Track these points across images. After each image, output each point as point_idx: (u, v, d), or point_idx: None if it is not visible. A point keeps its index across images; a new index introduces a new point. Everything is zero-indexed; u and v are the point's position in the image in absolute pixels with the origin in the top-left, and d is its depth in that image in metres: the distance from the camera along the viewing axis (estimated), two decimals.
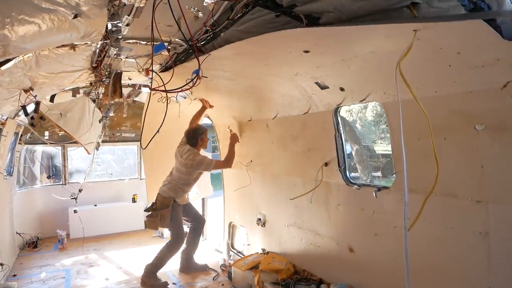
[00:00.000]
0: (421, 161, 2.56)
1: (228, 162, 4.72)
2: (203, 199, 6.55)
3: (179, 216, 4.83)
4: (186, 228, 5.19)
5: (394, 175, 3.00)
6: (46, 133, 6.79)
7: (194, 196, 6.15)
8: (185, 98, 5.16)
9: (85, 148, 6.71)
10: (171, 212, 4.66)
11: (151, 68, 2.65)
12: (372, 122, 15.70)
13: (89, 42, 2.96)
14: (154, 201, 4.77)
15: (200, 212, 6.59)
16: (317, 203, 3.86)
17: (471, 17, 1.88)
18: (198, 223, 5.18)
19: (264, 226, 4.80)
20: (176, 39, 3.11)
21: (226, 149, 5.19)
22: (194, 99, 5.27)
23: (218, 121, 5.68)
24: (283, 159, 4.37)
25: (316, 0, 2.18)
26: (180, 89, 2.62)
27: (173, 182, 4.75)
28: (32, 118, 6.07)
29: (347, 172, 3.58)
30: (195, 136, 4.77)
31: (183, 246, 5.14)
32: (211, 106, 5.15)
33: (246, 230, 5.26)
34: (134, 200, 7.54)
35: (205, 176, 6.30)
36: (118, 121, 7.52)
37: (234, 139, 4.84)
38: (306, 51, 2.74)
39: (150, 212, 4.70)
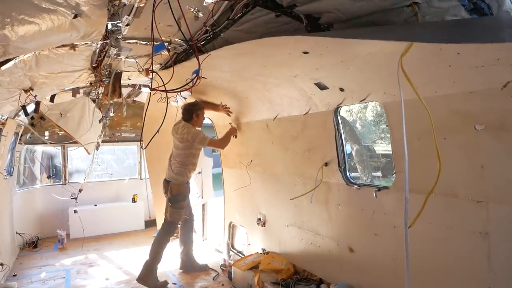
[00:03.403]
0: (421, 161, 2.55)
1: (222, 142, 4.86)
2: None
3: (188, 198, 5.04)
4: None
5: (394, 175, 3.00)
6: (46, 133, 6.78)
7: (197, 201, 6.15)
8: (185, 98, 5.15)
9: (85, 148, 6.72)
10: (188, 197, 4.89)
11: (151, 68, 2.65)
12: (372, 122, 15.67)
13: (89, 42, 2.96)
14: (169, 190, 4.72)
15: (201, 212, 6.60)
16: (317, 203, 3.86)
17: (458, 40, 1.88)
18: (188, 219, 5.11)
19: (264, 226, 4.80)
20: (176, 39, 3.11)
21: (226, 148, 5.16)
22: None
23: (218, 121, 5.68)
24: (283, 159, 4.37)
25: (316, 0, 2.18)
26: (180, 89, 2.62)
27: (176, 163, 4.73)
28: (32, 118, 6.08)
29: (347, 172, 3.58)
30: (191, 110, 4.76)
31: (181, 247, 5.13)
32: (229, 113, 5.07)
33: (246, 230, 5.25)
34: (134, 200, 7.54)
35: (207, 180, 6.29)
36: (118, 121, 7.52)
37: (232, 130, 4.97)
38: (305, 52, 2.74)
39: (175, 204, 4.72)
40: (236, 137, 5.02)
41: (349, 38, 2.25)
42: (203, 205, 6.57)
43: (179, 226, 5.14)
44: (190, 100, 5.14)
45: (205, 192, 6.21)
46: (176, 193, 4.68)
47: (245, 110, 4.78)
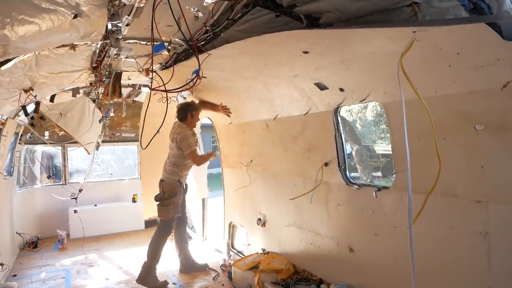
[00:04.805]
0: (421, 161, 2.55)
1: (200, 160, 4.75)
2: (203, 199, 6.55)
3: (184, 198, 4.94)
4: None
5: (394, 175, 3.00)
6: (46, 133, 6.79)
7: (192, 198, 6.15)
8: (185, 98, 5.15)
9: (85, 148, 6.72)
10: (181, 197, 4.76)
11: (151, 68, 2.65)
12: (372, 122, 15.69)
13: (89, 42, 2.96)
14: (161, 189, 4.69)
15: (201, 212, 6.60)
16: (317, 203, 3.86)
17: (469, 21, 1.89)
18: (181, 220, 5.05)
19: (264, 226, 4.80)
20: (176, 39, 3.11)
21: (226, 148, 5.14)
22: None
23: (218, 121, 5.68)
24: (283, 159, 4.37)
25: (316, 0, 2.18)
26: (180, 89, 2.62)
27: (169, 162, 4.72)
28: (32, 118, 6.08)
29: (347, 172, 3.58)
30: (186, 110, 4.71)
31: (177, 250, 5.11)
32: (229, 114, 5.08)
33: (246, 230, 5.25)
34: (134, 200, 7.53)
35: (202, 178, 6.29)
36: (118, 121, 7.52)
37: (212, 155, 4.81)
38: (306, 52, 2.74)
39: (161, 201, 4.64)
40: (213, 157, 4.87)
41: (351, 29, 2.24)
42: (203, 204, 6.57)
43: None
44: (190, 99, 5.14)
45: (199, 189, 6.20)
46: (166, 191, 4.64)
47: (245, 110, 4.78)
